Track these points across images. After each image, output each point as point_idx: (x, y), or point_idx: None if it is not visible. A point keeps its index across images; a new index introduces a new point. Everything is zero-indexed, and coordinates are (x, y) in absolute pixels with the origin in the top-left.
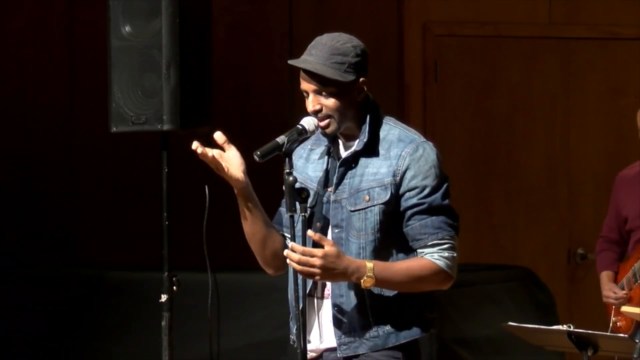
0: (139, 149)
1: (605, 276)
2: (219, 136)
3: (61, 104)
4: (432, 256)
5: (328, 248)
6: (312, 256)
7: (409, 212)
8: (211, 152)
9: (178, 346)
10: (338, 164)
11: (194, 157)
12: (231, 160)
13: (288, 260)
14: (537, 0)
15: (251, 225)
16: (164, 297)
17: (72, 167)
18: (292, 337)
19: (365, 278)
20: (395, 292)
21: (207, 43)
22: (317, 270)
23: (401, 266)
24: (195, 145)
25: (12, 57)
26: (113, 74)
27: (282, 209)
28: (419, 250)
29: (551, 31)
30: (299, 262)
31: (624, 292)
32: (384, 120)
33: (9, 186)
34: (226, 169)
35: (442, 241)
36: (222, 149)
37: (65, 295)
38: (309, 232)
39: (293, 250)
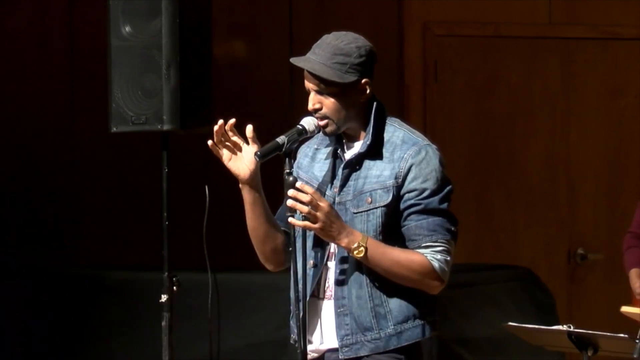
0: (139, 149)
1: (634, 273)
2: (249, 130)
3: (61, 104)
4: (426, 256)
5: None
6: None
7: (406, 213)
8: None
9: (178, 346)
10: (342, 166)
11: (194, 157)
12: (245, 154)
13: (290, 202)
14: (537, 0)
15: (254, 219)
16: (164, 297)
17: (72, 167)
18: (294, 336)
19: (357, 245)
20: (398, 294)
21: (207, 43)
22: (320, 215)
23: (395, 252)
24: (218, 125)
25: (12, 57)
26: (113, 74)
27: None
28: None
29: (551, 31)
30: (309, 203)
31: None
32: (388, 122)
33: (9, 186)
34: (229, 158)
35: (436, 244)
36: (246, 141)
37: (65, 295)
38: (307, 188)
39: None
